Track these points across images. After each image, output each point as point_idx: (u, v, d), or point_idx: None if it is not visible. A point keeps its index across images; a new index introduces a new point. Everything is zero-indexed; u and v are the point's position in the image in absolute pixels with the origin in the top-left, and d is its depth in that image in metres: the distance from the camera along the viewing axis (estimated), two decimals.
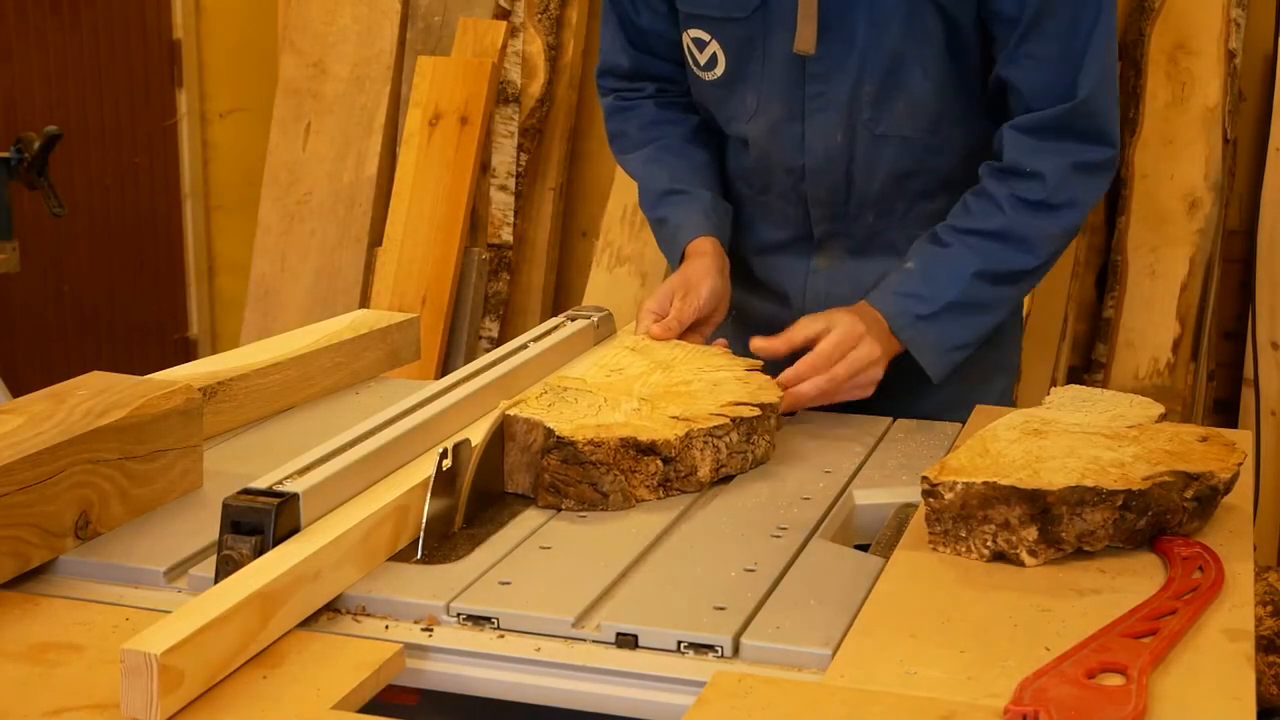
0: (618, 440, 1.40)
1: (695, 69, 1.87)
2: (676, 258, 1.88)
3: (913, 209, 1.85)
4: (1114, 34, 1.77)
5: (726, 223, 1.90)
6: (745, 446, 1.50)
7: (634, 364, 1.67)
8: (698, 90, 1.91)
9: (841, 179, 1.84)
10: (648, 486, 1.42)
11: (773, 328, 1.77)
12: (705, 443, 1.45)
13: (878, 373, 1.71)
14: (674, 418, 1.47)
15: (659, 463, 1.42)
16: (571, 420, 1.43)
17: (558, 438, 1.39)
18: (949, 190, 1.83)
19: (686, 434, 1.44)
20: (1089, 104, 1.74)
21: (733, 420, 1.48)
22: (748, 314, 1.96)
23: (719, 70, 1.85)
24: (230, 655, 1.07)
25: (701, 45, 1.85)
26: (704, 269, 1.82)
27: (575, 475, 1.38)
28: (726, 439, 1.47)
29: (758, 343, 1.73)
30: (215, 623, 1.05)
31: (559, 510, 1.39)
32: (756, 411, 1.52)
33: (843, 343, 1.69)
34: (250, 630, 1.09)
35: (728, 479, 1.49)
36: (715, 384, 1.59)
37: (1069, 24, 1.72)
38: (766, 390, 1.59)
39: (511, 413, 1.43)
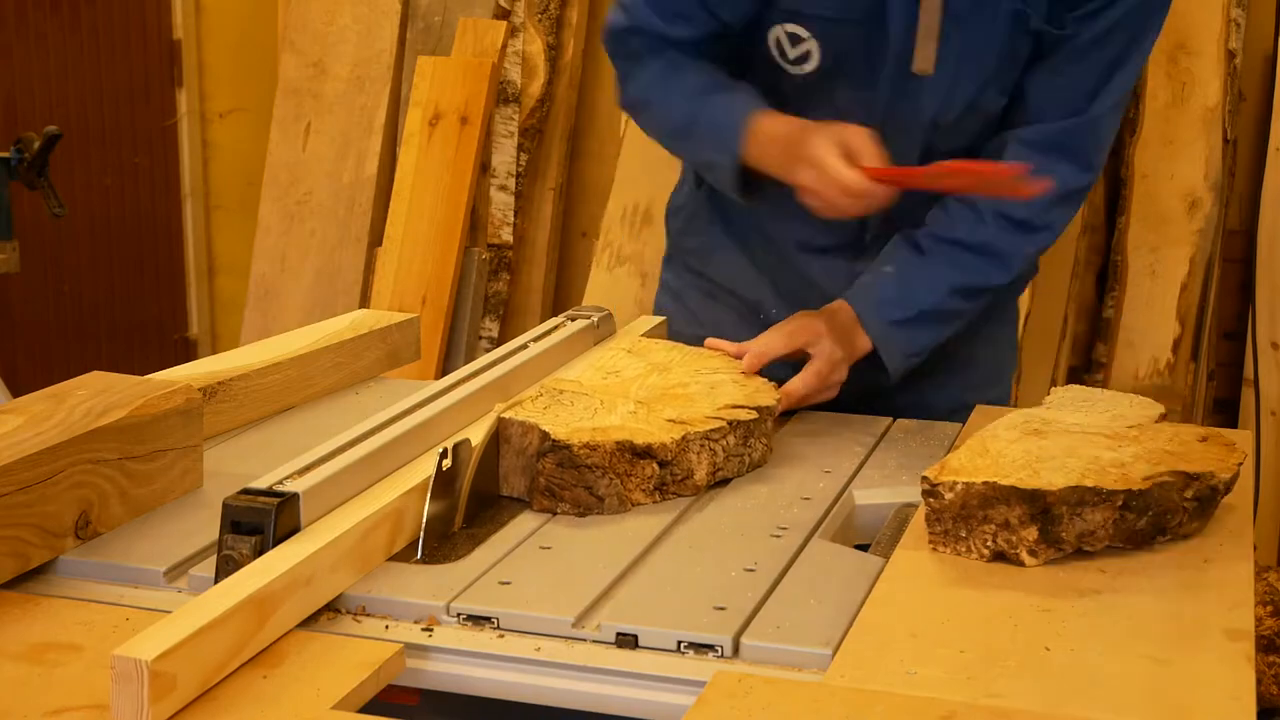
0: (613, 443, 1.38)
1: (781, 61, 1.80)
2: (734, 145, 1.73)
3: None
4: (1142, 66, 1.79)
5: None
6: (742, 449, 1.49)
7: (631, 366, 1.66)
8: (773, 80, 1.82)
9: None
10: (644, 490, 1.41)
11: None
12: (702, 446, 1.44)
13: (844, 373, 1.74)
14: (670, 421, 1.46)
15: (655, 466, 1.41)
16: (567, 423, 1.42)
17: (553, 441, 1.38)
18: None
19: (683, 437, 1.43)
20: (1094, 123, 1.76)
21: (729, 423, 1.47)
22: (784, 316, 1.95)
23: (810, 67, 1.78)
24: (223, 661, 1.06)
25: (795, 40, 1.78)
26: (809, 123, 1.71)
27: (570, 479, 1.38)
28: (723, 442, 1.47)
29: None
30: (207, 628, 1.04)
31: (554, 514, 1.38)
32: (753, 414, 1.51)
33: (804, 333, 1.72)
34: (244, 635, 1.08)
35: (724, 482, 1.48)
36: (712, 386, 1.58)
37: (1114, 53, 1.73)
38: (763, 393, 1.58)
39: (507, 415, 1.42)
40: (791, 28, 1.79)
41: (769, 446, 1.55)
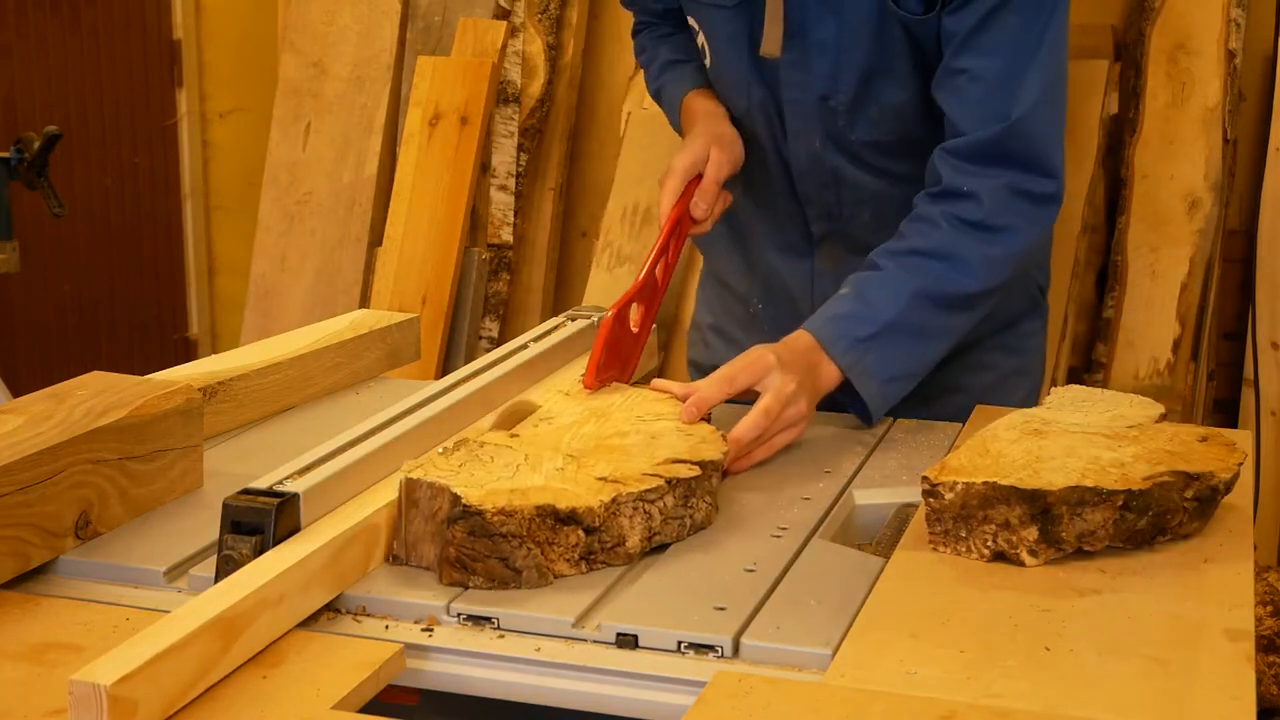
0: (533, 509, 1.22)
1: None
2: (676, 112, 1.89)
3: (909, 199, 1.77)
4: (1060, 58, 1.68)
5: None
6: (682, 511, 1.32)
7: (566, 412, 1.50)
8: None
9: (829, 179, 1.83)
10: (568, 560, 1.24)
11: (786, 330, 1.69)
12: (635, 508, 1.27)
13: (803, 408, 1.56)
14: (601, 479, 1.29)
15: (580, 533, 1.24)
16: (483, 484, 1.25)
17: (464, 506, 1.21)
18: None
19: (613, 499, 1.25)
20: (1023, 125, 1.64)
21: (668, 481, 1.30)
22: (762, 317, 1.96)
23: (707, 61, 1.85)
24: (188, 684, 1.03)
25: (695, 33, 1.85)
26: (721, 114, 1.82)
27: (483, 549, 1.21)
28: (660, 504, 1.29)
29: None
30: (170, 651, 1.01)
31: (465, 588, 1.22)
32: (695, 471, 1.33)
33: (749, 371, 1.56)
34: (209, 658, 1.05)
35: (662, 547, 1.31)
36: (653, 436, 1.41)
37: (1010, 42, 1.64)
38: (709, 444, 1.40)
39: (415, 476, 1.27)
40: (690, 19, 1.85)
41: (714, 505, 1.37)
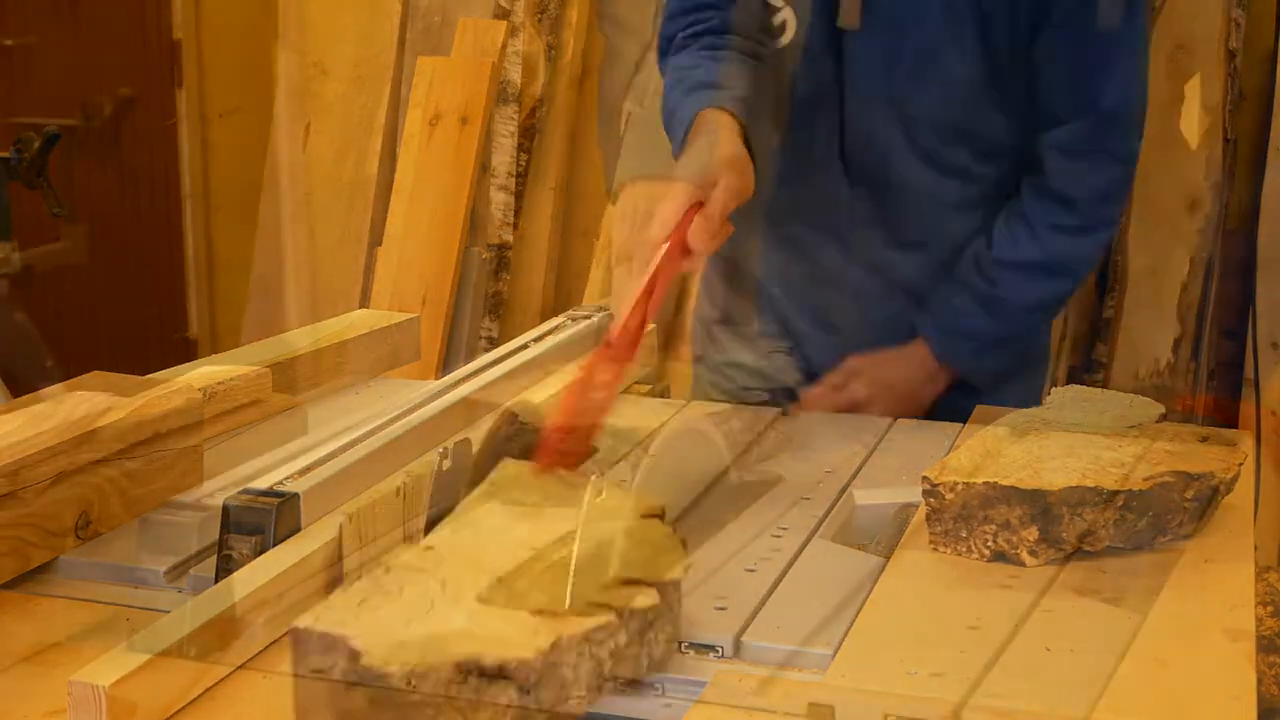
0: (451, 667, 0.94)
1: (764, 34, 1.83)
2: (686, 128, 1.64)
3: (954, 196, 1.84)
4: (1146, 42, 1.79)
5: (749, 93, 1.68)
6: (637, 649, 1.04)
7: (491, 511, 1.17)
8: (763, 53, 1.84)
9: (880, 157, 1.82)
10: None
11: (803, 317, 1.78)
12: (580, 653, 0.99)
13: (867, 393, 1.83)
14: (538, 613, 1.00)
15: (513, 692, 0.95)
16: (390, 630, 0.97)
17: (364, 667, 0.93)
18: (993, 164, 1.83)
19: (552, 645, 0.96)
20: (1114, 114, 1.77)
21: (619, 615, 1.01)
22: (779, 304, 1.95)
23: (787, 36, 1.81)
24: (189, 683, 1.02)
25: (774, 10, 1.81)
26: (732, 132, 1.57)
27: None
28: (610, 644, 1.01)
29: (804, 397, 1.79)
30: (171, 650, 1.00)
31: None
32: (654, 599, 1.04)
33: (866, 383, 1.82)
34: (210, 657, 1.05)
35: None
36: (600, 545, 1.10)
37: (1099, 28, 1.71)
38: (668, 554, 1.11)
39: (304, 625, 0.97)
40: None
41: (675, 633, 1.10)
